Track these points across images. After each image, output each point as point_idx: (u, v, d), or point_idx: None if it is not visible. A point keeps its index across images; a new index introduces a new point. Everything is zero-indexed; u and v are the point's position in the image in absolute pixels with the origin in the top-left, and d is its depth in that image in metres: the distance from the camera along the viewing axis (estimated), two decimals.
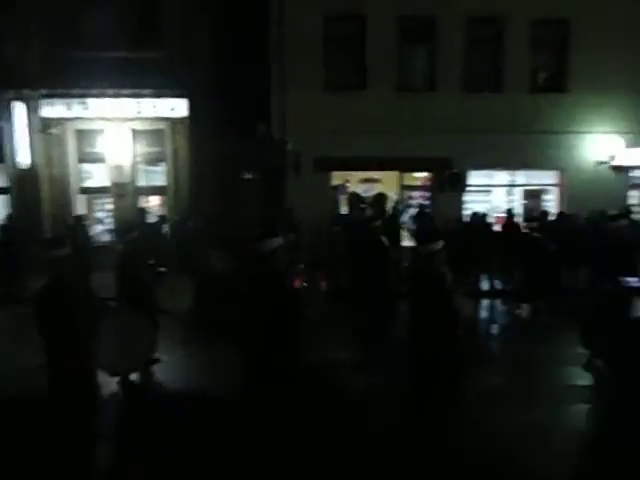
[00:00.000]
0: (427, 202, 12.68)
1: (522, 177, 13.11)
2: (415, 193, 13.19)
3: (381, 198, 12.62)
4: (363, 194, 12.67)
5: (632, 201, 13.12)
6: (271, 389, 3.28)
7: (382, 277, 6.10)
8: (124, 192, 12.10)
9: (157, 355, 5.49)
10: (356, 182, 12.93)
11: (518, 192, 13.17)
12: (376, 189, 12.79)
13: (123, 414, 4.87)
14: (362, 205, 12.06)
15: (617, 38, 12.07)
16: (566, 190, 12.67)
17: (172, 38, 11.57)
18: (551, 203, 12.94)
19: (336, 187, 12.70)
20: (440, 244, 3.73)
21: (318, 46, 11.87)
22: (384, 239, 6.35)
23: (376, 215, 8.31)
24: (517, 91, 12.19)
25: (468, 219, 10.61)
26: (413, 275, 4.27)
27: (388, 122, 11.73)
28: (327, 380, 5.50)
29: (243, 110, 11.57)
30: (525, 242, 9.07)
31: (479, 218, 10.18)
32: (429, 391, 3.67)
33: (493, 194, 13.20)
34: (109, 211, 12.46)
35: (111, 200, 12.30)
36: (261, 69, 11.98)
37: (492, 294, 9.83)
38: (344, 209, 12.41)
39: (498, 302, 9.46)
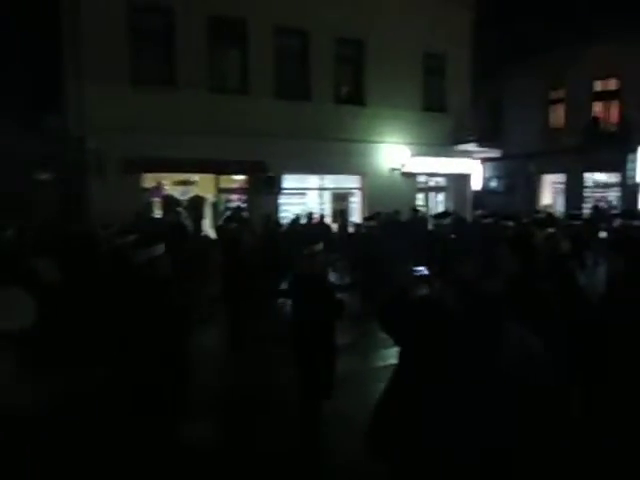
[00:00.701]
0: (245, 205, 12.81)
1: (331, 181, 14.21)
2: (233, 196, 13.21)
3: (198, 201, 12.34)
4: (179, 197, 12.21)
5: (419, 202, 15.33)
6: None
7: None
8: None
9: None
10: (171, 184, 12.37)
11: (328, 195, 14.21)
12: (193, 192, 12.45)
13: None
14: (178, 208, 11.61)
15: (402, 62, 13.94)
16: (367, 193, 14.13)
17: None
18: (356, 205, 14.30)
19: (149, 190, 11.95)
20: (321, 245, 4.01)
21: (121, 37, 10.97)
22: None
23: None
24: (324, 101, 13.14)
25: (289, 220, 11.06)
26: (297, 276, 4.37)
27: (202, 123, 11.46)
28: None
29: (26, 100, 10.03)
30: (362, 239, 9.70)
31: (299, 220, 10.72)
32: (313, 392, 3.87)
33: (307, 197, 14.01)
34: None
35: None
36: (54, 58, 10.57)
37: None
38: (158, 212, 11.77)
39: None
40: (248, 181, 12.88)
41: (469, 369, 1.63)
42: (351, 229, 12.06)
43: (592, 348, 2.85)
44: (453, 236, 7.84)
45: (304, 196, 14.00)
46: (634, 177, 16.92)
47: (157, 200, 12.03)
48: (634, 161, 16.80)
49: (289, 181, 13.18)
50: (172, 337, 3.15)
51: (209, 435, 4.40)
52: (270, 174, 12.55)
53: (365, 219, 9.95)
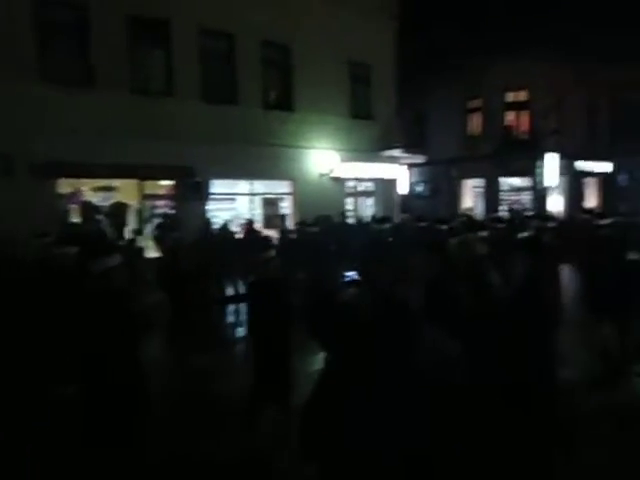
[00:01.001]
0: (172, 211, 12.37)
1: (261, 186, 14.09)
2: (159, 202, 12.72)
3: (120, 207, 11.74)
4: (100, 203, 11.55)
5: (348, 207, 15.60)
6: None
7: None
8: None
9: None
10: (91, 190, 11.67)
11: (258, 200, 14.08)
12: (115, 198, 11.83)
13: None
14: (97, 216, 10.98)
15: (329, 69, 14.16)
16: (297, 198, 14.17)
17: None
18: (287, 210, 14.27)
19: (65, 196, 11.19)
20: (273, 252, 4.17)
21: (27, 30, 10.13)
22: None
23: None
24: (252, 105, 13.02)
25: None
26: (253, 281, 4.50)
27: (124, 125, 10.92)
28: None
29: None
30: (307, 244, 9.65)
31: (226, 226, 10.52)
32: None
33: (237, 202, 13.79)
34: None
35: None
36: None
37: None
38: (76, 220, 11.06)
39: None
40: (175, 187, 12.45)
41: (385, 372, 1.65)
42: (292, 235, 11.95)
43: (504, 347, 3.00)
44: (391, 240, 8.13)
45: (234, 202, 13.77)
46: (543, 182, 18.30)
47: (74, 207, 11.30)
48: (542, 167, 18.18)
49: (218, 186, 12.91)
50: (130, 350, 3.10)
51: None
52: (198, 179, 12.22)
53: (305, 224, 9.94)
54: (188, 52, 12.07)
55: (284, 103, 13.88)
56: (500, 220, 8.30)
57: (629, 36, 18.97)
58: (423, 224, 8.54)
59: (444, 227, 7.60)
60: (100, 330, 2.95)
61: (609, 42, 18.18)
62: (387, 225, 7.79)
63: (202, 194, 12.42)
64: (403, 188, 17.66)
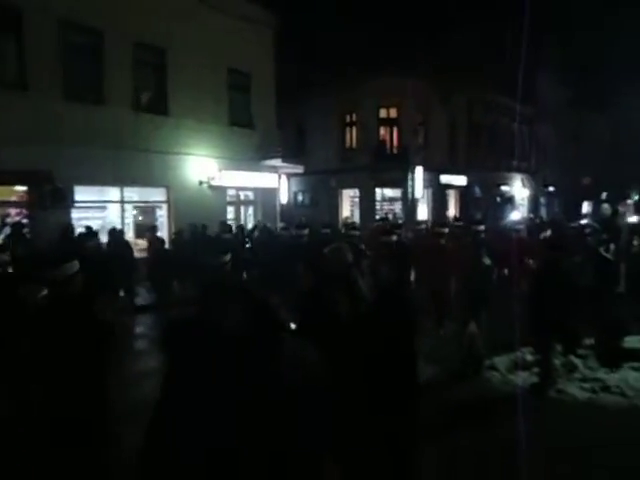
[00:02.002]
0: (26, 220, 11.03)
1: (134, 193, 13.22)
2: (11, 210, 11.29)
3: None
4: None
5: (230, 216, 15.34)
6: None
7: None
8: None
9: None
10: None
11: (131, 208, 13.18)
12: None
13: None
14: None
15: (207, 75, 13.82)
16: (174, 206, 13.55)
17: None
18: (163, 219, 13.58)
19: None
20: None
21: None
22: None
23: None
24: (121, 107, 12.18)
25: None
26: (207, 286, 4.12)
27: None
28: None
29: None
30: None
31: (117, 235, 9.66)
32: None
33: (107, 210, 12.78)
34: None
35: None
36: None
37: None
38: None
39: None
40: (30, 193, 11.12)
41: (245, 380, 1.63)
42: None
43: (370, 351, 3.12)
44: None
45: (104, 210, 12.74)
46: (413, 193, 19.81)
47: None
48: (413, 179, 19.69)
49: (85, 193, 11.85)
50: (96, 358, 3.11)
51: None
52: (59, 185, 11.06)
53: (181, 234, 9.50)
54: (47, 46, 10.90)
55: (158, 107, 13.22)
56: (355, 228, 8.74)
57: (486, 63, 21.49)
58: (326, 230, 8.67)
59: (357, 233, 7.85)
60: (64, 337, 2.94)
61: (467, 66, 20.38)
62: (304, 232, 7.76)
63: (64, 201, 11.26)
64: (283, 197, 17.85)
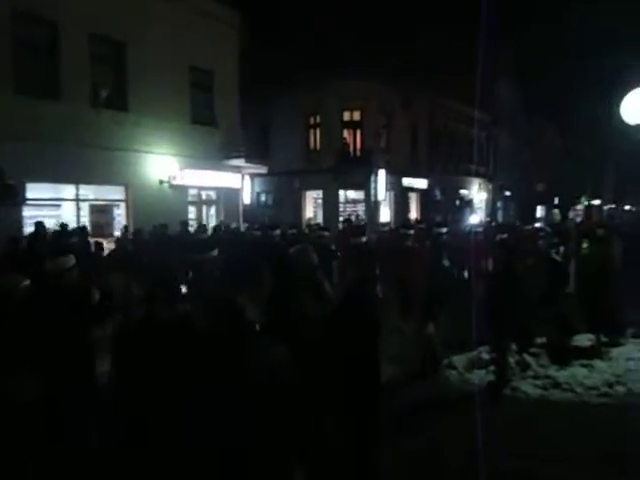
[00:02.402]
0: None
1: (91, 191, 12.79)
2: None
3: None
4: None
5: (191, 215, 15.06)
6: None
7: None
8: None
9: None
10: None
11: (86, 207, 12.73)
12: None
13: None
14: None
15: (168, 72, 13.53)
16: (132, 205, 13.18)
17: None
18: (120, 218, 13.19)
19: None
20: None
21: None
22: None
23: None
24: (78, 102, 11.72)
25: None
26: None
27: None
28: None
29: None
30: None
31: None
32: None
33: (62, 209, 12.31)
34: None
35: None
36: None
37: None
38: None
39: None
40: None
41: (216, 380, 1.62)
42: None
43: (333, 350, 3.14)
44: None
45: (58, 208, 12.27)
46: (376, 195, 20.06)
47: None
48: (375, 181, 19.94)
49: (38, 190, 11.36)
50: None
51: None
52: (10, 182, 10.55)
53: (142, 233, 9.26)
54: None
55: (117, 103, 12.82)
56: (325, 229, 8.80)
57: (446, 69, 22.04)
58: (293, 231, 8.64)
59: (326, 234, 7.85)
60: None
61: (428, 72, 20.87)
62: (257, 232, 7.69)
63: (15, 198, 10.76)
64: (246, 197, 17.71)
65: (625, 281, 7.47)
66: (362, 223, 16.43)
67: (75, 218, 12.13)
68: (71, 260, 3.43)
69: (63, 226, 10.27)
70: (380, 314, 3.86)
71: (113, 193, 13.21)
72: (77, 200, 12.42)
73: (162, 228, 10.32)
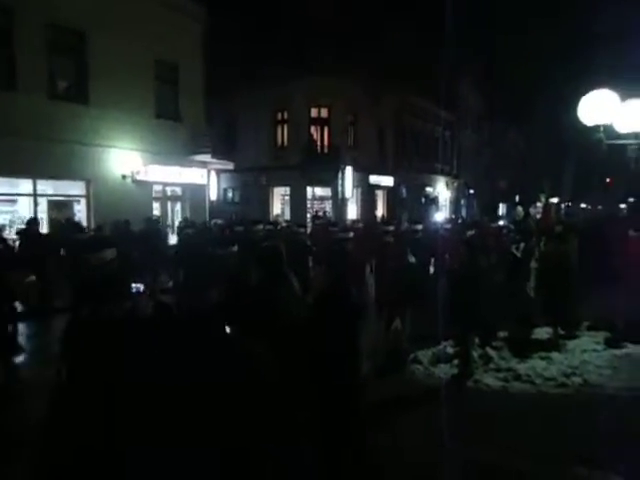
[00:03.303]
0: None
1: (49, 186, 12.33)
2: None
3: None
4: None
5: (156, 212, 14.73)
6: None
7: None
8: None
9: None
10: None
11: (44, 202, 12.27)
12: None
13: None
14: None
15: (131, 65, 13.16)
16: (94, 201, 12.78)
17: None
18: (81, 214, 12.77)
19: None
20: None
21: None
22: None
23: None
24: (35, 95, 11.26)
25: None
26: None
27: None
28: None
29: None
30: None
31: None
32: None
33: (18, 204, 11.84)
34: None
35: None
36: None
37: None
38: None
39: None
40: None
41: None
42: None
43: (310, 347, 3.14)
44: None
45: (14, 203, 11.80)
46: (343, 192, 20.16)
47: None
48: (343, 178, 20.03)
49: None
50: None
51: None
52: None
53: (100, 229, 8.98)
54: None
55: (77, 95, 12.40)
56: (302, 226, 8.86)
57: (413, 69, 22.30)
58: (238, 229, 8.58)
59: (302, 230, 7.83)
60: None
61: (396, 71, 21.06)
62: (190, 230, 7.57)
63: None
64: (213, 194, 17.47)
65: (581, 277, 7.76)
66: (330, 220, 16.47)
67: (32, 214, 11.67)
68: (113, 253, 3.23)
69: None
70: (359, 311, 3.85)
71: (73, 188, 12.78)
72: (35, 195, 11.95)
73: (125, 224, 10.07)
